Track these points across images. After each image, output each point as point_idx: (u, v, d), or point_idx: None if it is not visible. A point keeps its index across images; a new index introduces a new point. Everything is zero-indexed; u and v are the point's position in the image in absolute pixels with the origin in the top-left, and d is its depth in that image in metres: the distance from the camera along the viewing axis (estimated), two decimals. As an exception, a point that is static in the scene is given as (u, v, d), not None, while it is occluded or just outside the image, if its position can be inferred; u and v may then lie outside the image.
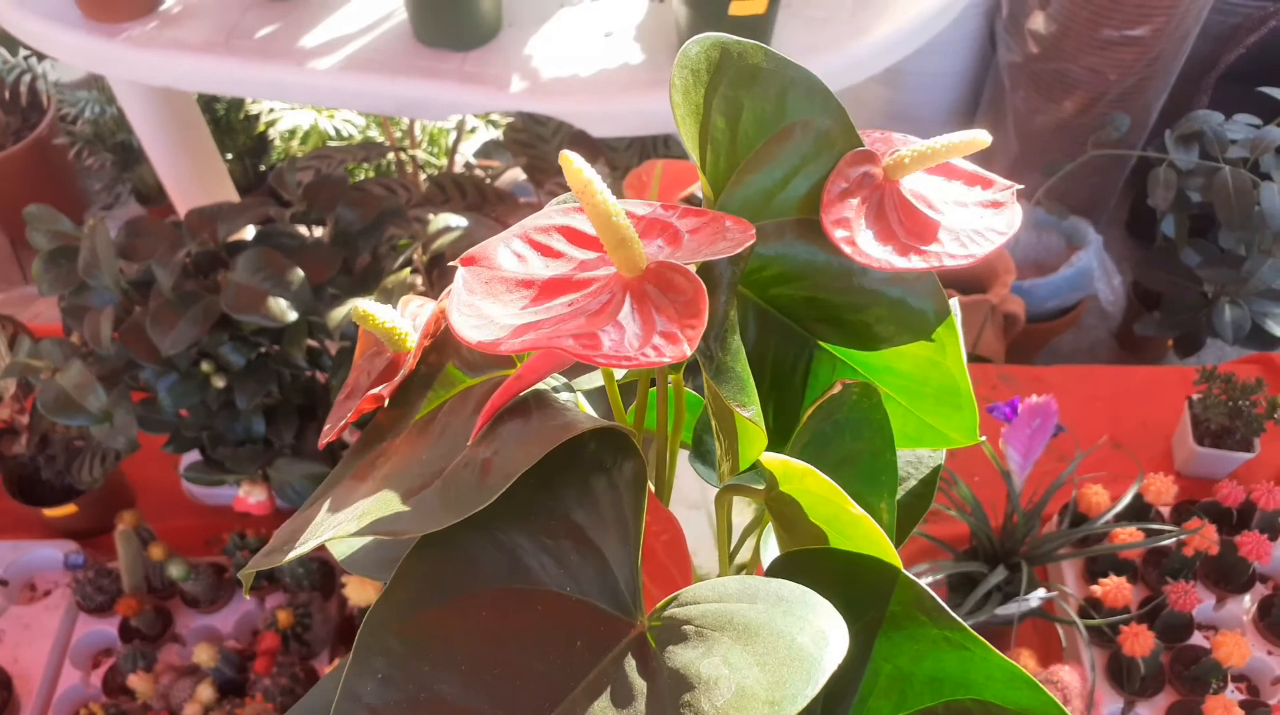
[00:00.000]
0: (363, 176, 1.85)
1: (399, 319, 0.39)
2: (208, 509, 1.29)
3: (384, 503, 0.33)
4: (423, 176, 1.68)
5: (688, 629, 0.31)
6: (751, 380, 0.37)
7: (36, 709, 1.12)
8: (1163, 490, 1.15)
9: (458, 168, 1.72)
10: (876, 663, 0.35)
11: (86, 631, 1.18)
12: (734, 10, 1.04)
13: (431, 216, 1.14)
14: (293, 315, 0.97)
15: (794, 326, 0.42)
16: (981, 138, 0.36)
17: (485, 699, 0.30)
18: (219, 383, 1.02)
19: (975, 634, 0.33)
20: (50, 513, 1.21)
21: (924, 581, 1.05)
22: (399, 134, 1.76)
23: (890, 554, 0.35)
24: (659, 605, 0.32)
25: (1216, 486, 1.20)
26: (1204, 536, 1.12)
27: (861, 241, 0.37)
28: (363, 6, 1.21)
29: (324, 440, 0.37)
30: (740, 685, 0.28)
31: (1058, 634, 1.15)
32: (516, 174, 1.85)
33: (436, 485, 0.33)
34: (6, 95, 2.10)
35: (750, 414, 0.35)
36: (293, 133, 1.84)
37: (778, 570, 0.37)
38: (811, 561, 0.37)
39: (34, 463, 1.22)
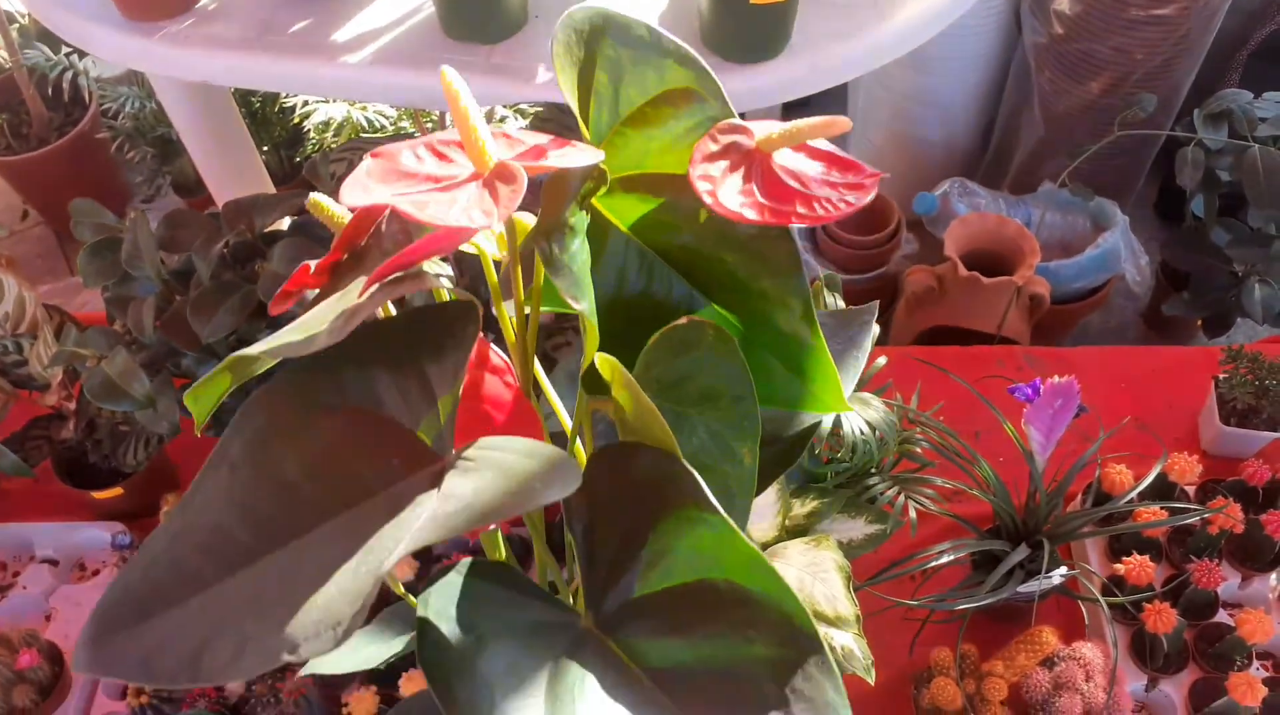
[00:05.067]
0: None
1: (346, 212, 0.49)
2: (248, 492, 1.33)
3: (284, 335, 0.41)
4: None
5: (469, 465, 0.39)
6: (589, 281, 0.43)
7: (87, 683, 1.16)
8: (1187, 469, 1.15)
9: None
10: (655, 539, 0.42)
11: (134, 610, 1.22)
12: (755, -1, 1.05)
13: (460, 205, 1.17)
14: (327, 303, 1.00)
15: (676, 273, 0.49)
16: (840, 122, 0.42)
17: (315, 486, 0.38)
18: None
19: (729, 521, 0.39)
20: (98, 495, 1.25)
21: (946, 559, 1.06)
22: (430, 125, 1.78)
23: (672, 445, 0.41)
24: (466, 445, 0.40)
25: (1242, 465, 1.20)
26: (1229, 515, 1.12)
27: (722, 194, 0.42)
28: (392, 1, 1.24)
29: (272, 309, 0.46)
30: (468, 501, 0.36)
31: (1081, 612, 1.16)
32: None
33: (322, 329, 0.40)
34: (50, 92, 2.16)
35: (583, 307, 0.42)
36: (327, 125, 1.88)
37: (595, 460, 0.45)
38: (618, 454, 0.44)
39: (81, 447, 1.26)
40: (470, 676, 0.38)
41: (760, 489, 0.46)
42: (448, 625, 0.39)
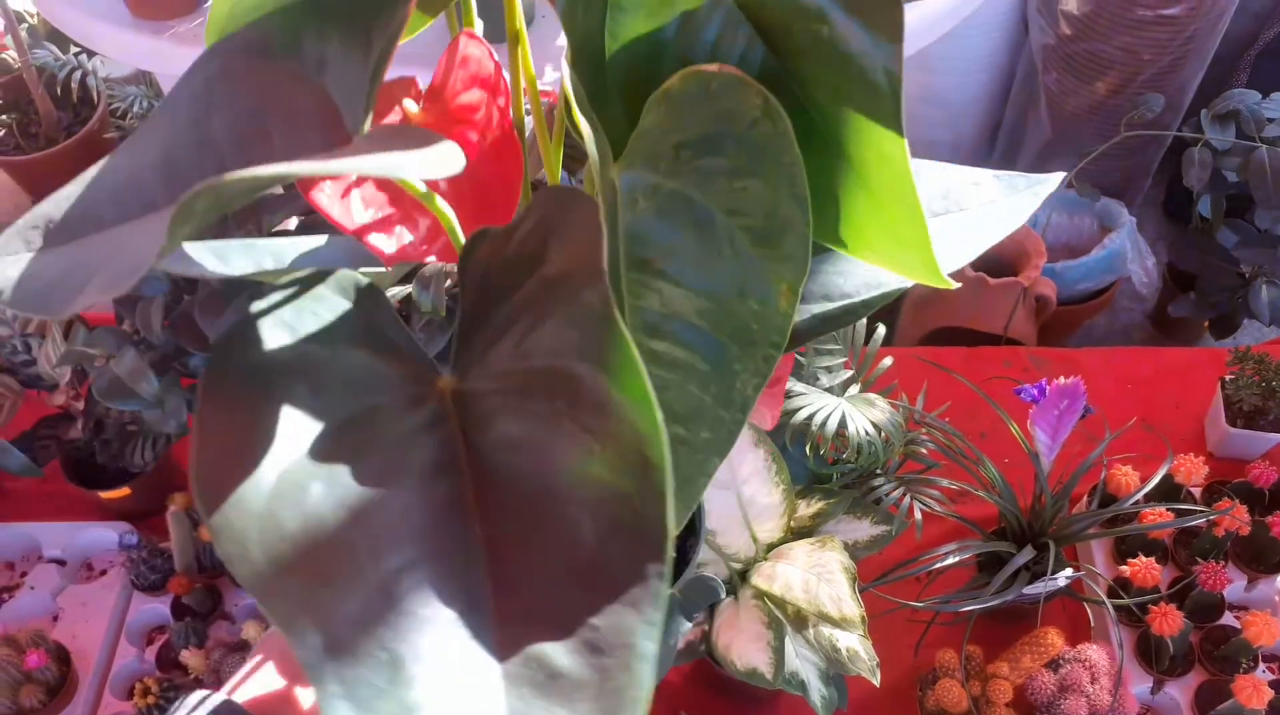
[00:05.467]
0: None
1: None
2: (255, 491, 1.33)
3: None
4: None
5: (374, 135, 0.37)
6: None
7: (94, 683, 1.16)
8: (1193, 470, 1.15)
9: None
10: (543, 305, 0.36)
11: (141, 609, 1.22)
12: None
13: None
14: (334, 303, 1.00)
15: (753, 28, 0.38)
16: None
17: (231, 148, 0.37)
18: (264, 369, 1.06)
19: (611, 297, 0.30)
20: (105, 495, 1.25)
21: (951, 560, 1.06)
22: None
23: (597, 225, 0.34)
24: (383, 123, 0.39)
25: (1248, 467, 1.20)
26: (1235, 517, 1.12)
27: None
28: (398, 1, 1.24)
29: None
30: (353, 156, 0.32)
31: (1086, 614, 1.16)
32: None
33: None
34: (58, 92, 2.16)
35: None
36: (332, 124, 1.88)
37: (533, 199, 0.37)
38: (549, 197, 0.37)
39: (89, 447, 1.27)
40: (256, 377, 0.33)
41: (792, 346, 0.36)
42: (268, 319, 0.35)
